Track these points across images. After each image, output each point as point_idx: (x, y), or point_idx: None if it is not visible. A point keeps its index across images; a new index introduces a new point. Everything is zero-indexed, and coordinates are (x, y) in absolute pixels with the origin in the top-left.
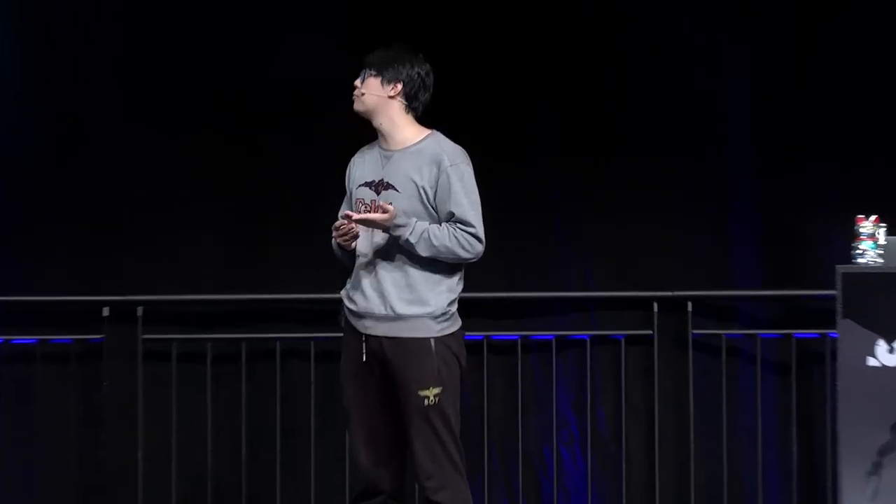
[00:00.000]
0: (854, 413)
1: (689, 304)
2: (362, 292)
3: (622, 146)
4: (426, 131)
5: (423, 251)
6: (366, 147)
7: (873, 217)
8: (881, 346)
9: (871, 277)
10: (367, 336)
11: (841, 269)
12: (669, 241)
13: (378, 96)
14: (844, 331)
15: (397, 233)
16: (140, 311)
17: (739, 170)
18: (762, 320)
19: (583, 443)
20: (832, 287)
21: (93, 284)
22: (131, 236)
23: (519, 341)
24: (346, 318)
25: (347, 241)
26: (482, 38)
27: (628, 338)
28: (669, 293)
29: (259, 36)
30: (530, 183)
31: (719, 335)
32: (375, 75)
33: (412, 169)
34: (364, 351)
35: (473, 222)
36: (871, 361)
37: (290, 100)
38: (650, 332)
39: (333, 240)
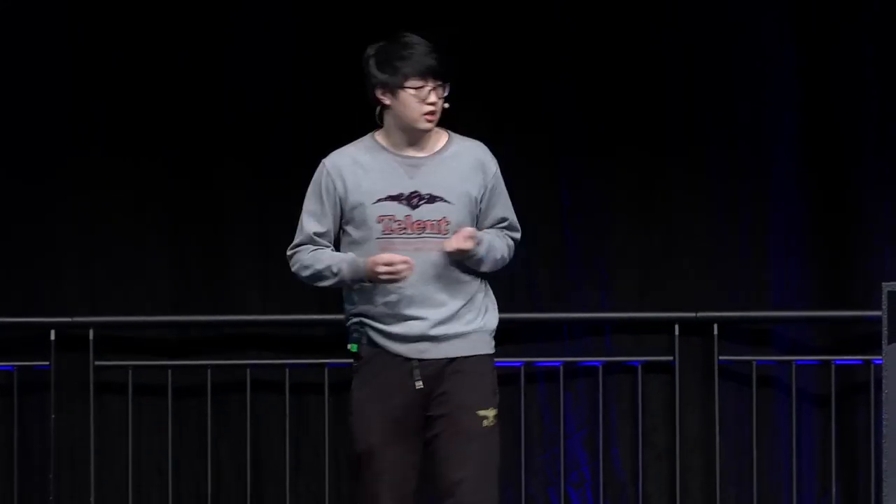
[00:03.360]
0: None
1: (716, 327)
2: (412, 315)
3: (644, 146)
4: (442, 132)
5: (487, 267)
6: (347, 153)
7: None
8: None
9: None
10: (421, 360)
11: (888, 287)
12: (695, 255)
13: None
14: (891, 357)
15: (475, 252)
16: (91, 334)
17: (778, 174)
18: (799, 345)
19: (594, 486)
20: (877, 307)
21: (37, 305)
22: (80, 251)
23: (522, 368)
24: (376, 345)
25: (405, 278)
26: (490, 35)
27: (646, 365)
28: (693, 314)
29: (210, 45)
30: (537, 188)
31: (750, 362)
32: (445, 85)
33: (458, 177)
34: (418, 377)
35: (518, 226)
36: None
37: (253, 108)
38: (671, 358)
39: (352, 275)
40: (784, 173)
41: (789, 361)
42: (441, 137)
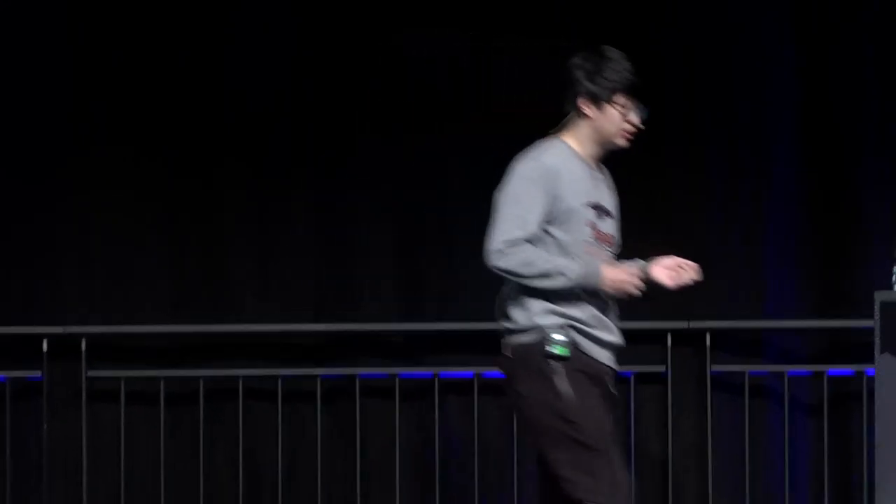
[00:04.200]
0: (894, 460)
1: (708, 337)
2: (608, 326)
3: (633, 146)
4: None
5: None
6: (555, 154)
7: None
8: None
9: None
10: (612, 368)
11: (880, 296)
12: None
13: None
14: (883, 367)
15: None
16: (84, 344)
17: (773, 181)
18: (792, 355)
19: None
20: (870, 317)
21: (36, 305)
22: (79, 251)
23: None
24: (582, 351)
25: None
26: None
27: (639, 374)
28: (685, 324)
29: (210, 45)
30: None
31: (742, 372)
32: (645, 107)
33: (614, 194)
34: (612, 384)
35: None
36: None
37: (253, 108)
38: (664, 368)
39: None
40: (778, 184)
41: (782, 371)
42: None
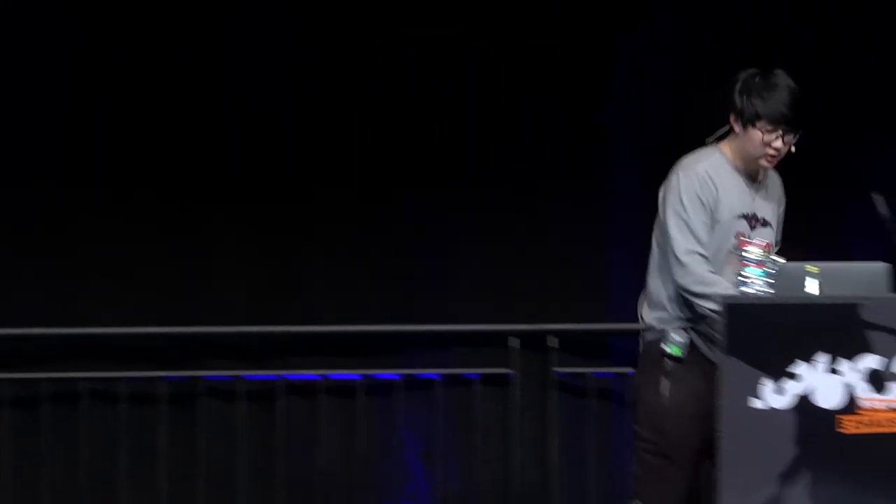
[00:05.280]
0: (736, 462)
1: (552, 340)
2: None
3: (480, 155)
4: None
5: None
6: (711, 167)
7: (762, 241)
8: (767, 386)
9: (759, 309)
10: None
11: (725, 299)
12: (536, 266)
13: None
14: (728, 369)
15: None
16: None
17: (616, 184)
18: (636, 357)
19: (430, 497)
20: None
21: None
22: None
23: (361, 381)
24: (698, 351)
25: None
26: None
27: (484, 377)
28: (530, 327)
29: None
30: (373, 201)
31: (584, 374)
32: (796, 132)
33: (776, 203)
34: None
35: None
36: (756, 403)
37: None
38: (509, 370)
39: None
40: (623, 187)
41: (624, 373)
42: None
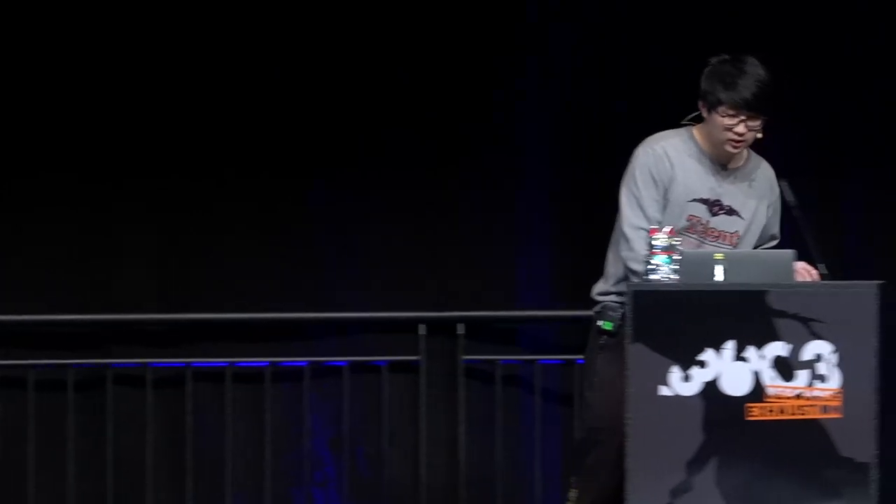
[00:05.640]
0: (644, 449)
1: (460, 327)
2: None
3: (395, 142)
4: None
5: None
6: (671, 146)
7: (668, 228)
8: (675, 374)
9: (666, 296)
10: None
11: (630, 286)
12: (444, 254)
13: None
14: (635, 356)
15: None
16: None
17: (527, 174)
18: (545, 344)
19: (339, 485)
20: None
21: None
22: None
23: (268, 368)
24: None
25: None
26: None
27: (393, 364)
28: (437, 314)
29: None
30: (279, 187)
31: (493, 361)
32: (761, 118)
33: (756, 195)
34: None
35: None
36: (664, 391)
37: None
38: (417, 357)
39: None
40: (533, 175)
41: (532, 360)
42: (743, 151)
